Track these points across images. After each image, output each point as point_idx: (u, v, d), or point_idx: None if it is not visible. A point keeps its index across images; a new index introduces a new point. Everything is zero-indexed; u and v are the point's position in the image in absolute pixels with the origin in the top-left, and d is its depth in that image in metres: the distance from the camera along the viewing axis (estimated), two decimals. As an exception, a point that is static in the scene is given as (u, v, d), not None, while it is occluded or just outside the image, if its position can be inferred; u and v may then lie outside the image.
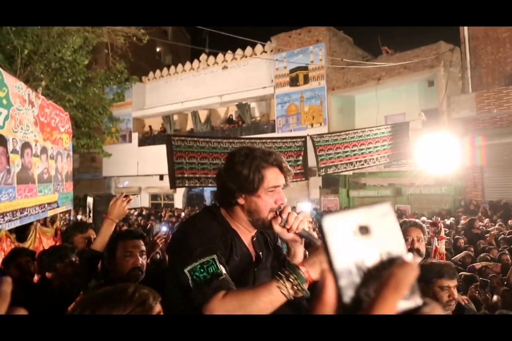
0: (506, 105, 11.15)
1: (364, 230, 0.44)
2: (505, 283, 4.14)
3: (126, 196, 2.15)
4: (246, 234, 1.50)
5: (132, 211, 14.89)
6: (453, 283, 2.03)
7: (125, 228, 4.61)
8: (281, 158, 1.43)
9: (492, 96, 11.38)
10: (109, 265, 2.06)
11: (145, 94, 20.19)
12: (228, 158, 1.47)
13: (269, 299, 1.15)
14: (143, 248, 2.12)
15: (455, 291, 2.02)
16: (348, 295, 0.42)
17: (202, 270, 1.25)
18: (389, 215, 0.45)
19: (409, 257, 0.43)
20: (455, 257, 5.46)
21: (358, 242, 0.43)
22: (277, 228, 1.38)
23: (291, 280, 1.15)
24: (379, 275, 0.42)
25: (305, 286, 1.17)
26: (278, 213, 1.38)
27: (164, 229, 2.94)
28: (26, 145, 4.09)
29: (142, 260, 2.07)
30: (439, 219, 8.00)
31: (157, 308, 1.02)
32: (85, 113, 8.28)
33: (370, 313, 0.39)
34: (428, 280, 2.05)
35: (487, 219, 8.96)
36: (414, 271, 0.40)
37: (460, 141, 11.16)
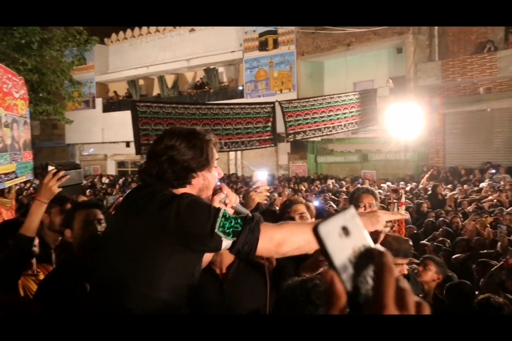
0: (469, 74, 11.36)
1: (345, 230, 0.56)
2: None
3: (56, 173, 1.93)
4: None
5: (96, 179, 14.61)
6: (405, 261, 2.16)
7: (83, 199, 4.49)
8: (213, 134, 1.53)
9: (457, 64, 11.55)
10: (68, 238, 2.01)
11: (108, 57, 19.23)
12: (169, 141, 1.43)
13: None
14: (101, 216, 2.05)
15: (405, 268, 2.15)
16: (350, 285, 0.53)
17: (229, 221, 1.27)
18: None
19: (379, 246, 0.55)
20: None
21: (344, 240, 0.55)
22: (217, 204, 1.45)
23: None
24: (366, 264, 0.54)
25: None
26: (217, 190, 1.49)
27: (113, 200, 2.89)
28: (-24, 112, 3.84)
29: (101, 228, 2.01)
30: (400, 185, 8.26)
31: None
32: (42, 78, 7.79)
33: (377, 296, 0.49)
34: None
35: (449, 185, 9.36)
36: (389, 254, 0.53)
37: (425, 108, 11.39)
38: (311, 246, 1.32)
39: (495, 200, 6.58)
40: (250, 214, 1.34)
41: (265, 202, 2.10)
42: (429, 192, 7.95)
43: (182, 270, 1.37)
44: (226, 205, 1.49)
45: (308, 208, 2.30)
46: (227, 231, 1.25)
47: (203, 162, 1.44)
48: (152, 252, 1.32)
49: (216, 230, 1.25)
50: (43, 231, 2.56)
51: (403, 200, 2.83)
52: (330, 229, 0.55)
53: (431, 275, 2.78)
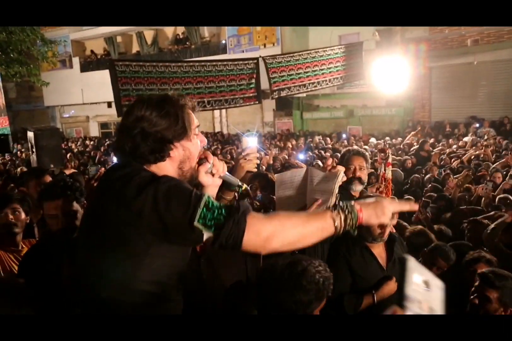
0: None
1: (426, 284, 0.75)
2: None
3: None
4: None
5: (78, 144, 14.35)
6: (393, 222, 2.16)
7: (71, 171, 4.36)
8: (190, 99, 1.38)
9: (445, 14, 11.21)
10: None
11: (81, 12, 18.16)
12: (139, 111, 1.29)
13: (321, 226, 1.17)
14: (69, 207, 1.92)
15: (386, 226, 2.11)
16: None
17: (211, 211, 1.13)
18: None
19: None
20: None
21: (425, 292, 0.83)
22: (202, 174, 1.36)
23: (346, 213, 1.17)
24: None
25: (355, 223, 1.19)
26: (202, 159, 1.36)
27: (96, 171, 2.81)
28: None
29: (70, 219, 1.91)
30: (386, 140, 8.25)
31: None
32: (10, 37, 7.33)
33: None
34: None
35: (432, 139, 9.42)
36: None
37: (412, 62, 11.18)
38: (305, 241, 1.20)
39: (480, 155, 6.65)
40: (236, 203, 1.19)
41: (255, 170, 2.02)
42: (415, 147, 8.01)
43: (162, 261, 1.24)
44: (213, 175, 1.38)
45: (366, 160, 2.45)
46: (208, 223, 1.12)
47: (180, 131, 1.29)
48: (128, 241, 1.19)
49: (195, 222, 1.12)
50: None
51: (390, 160, 2.83)
52: (414, 277, 0.85)
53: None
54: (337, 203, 1.21)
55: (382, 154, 2.90)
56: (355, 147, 3.15)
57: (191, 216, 1.12)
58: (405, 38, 11.92)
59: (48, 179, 2.85)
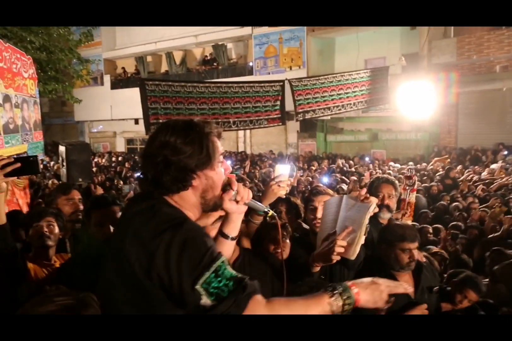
0: (486, 51, 11.01)
1: None
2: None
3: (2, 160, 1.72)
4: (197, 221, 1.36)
5: (105, 159, 14.68)
6: (414, 246, 2.11)
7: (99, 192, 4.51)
8: (216, 125, 1.34)
9: (473, 41, 11.19)
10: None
11: (115, 33, 18.92)
12: (163, 138, 1.23)
13: (318, 311, 1.15)
14: (117, 215, 2.00)
15: (415, 253, 2.11)
16: None
17: (219, 279, 1.06)
18: None
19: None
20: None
21: None
22: (227, 202, 1.31)
23: (344, 298, 1.17)
24: None
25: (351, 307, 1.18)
26: (226, 187, 1.32)
27: (128, 189, 2.87)
28: (-14, 94, 3.85)
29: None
30: (412, 171, 8.17)
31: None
32: (50, 56, 7.71)
33: None
34: (390, 243, 2.13)
35: (459, 166, 9.24)
36: None
37: (437, 85, 11.13)
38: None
39: (509, 184, 6.46)
40: (246, 281, 1.09)
41: (284, 196, 2.04)
42: (440, 173, 7.88)
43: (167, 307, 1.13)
44: (238, 202, 1.34)
45: (395, 188, 2.39)
46: (211, 290, 1.04)
47: (203, 160, 1.24)
48: (136, 283, 1.12)
49: (197, 285, 1.04)
50: None
51: (415, 186, 2.82)
52: None
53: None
54: (335, 287, 1.19)
55: (408, 181, 2.89)
56: (384, 175, 3.14)
57: (196, 277, 1.05)
58: (431, 63, 11.91)
59: (76, 194, 2.87)
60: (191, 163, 1.22)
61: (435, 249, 3.24)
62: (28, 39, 6.85)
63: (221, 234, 1.42)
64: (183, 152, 1.21)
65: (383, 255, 2.16)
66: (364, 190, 1.82)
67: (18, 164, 1.73)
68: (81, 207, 2.70)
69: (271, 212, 1.45)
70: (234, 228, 1.41)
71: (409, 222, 2.79)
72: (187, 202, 1.27)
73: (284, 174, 1.90)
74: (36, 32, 7.11)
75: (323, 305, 1.15)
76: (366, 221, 1.69)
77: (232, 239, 1.42)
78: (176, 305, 1.11)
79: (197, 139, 1.23)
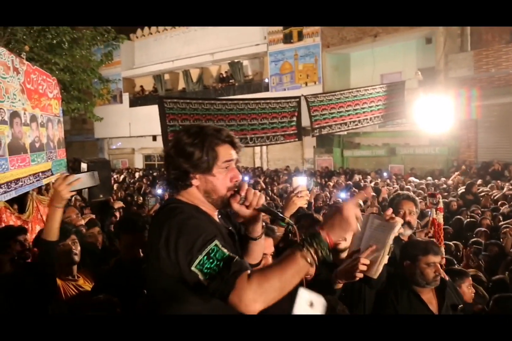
0: (504, 64, 10.91)
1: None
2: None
3: (66, 177, 1.90)
4: (213, 214, 1.43)
5: (125, 175, 14.88)
6: (438, 259, 2.09)
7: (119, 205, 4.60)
8: (231, 133, 1.38)
9: (491, 54, 11.11)
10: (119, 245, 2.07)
11: (134, 52, 19.48)
12: (176, 139, 1.36)
13: (295, 270, 1.14)
14: (145, 239, 2.04)
15: (439, 267, 2.09)
16: None
17: (211, 260, 1.17)
18: None
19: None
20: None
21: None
22: (235, 206, 1.35)
23: (314, 246, 1.14)
24: None
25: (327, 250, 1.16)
26: (235, 191, 1.35)
27: (154, 202, 2.92)
28: (14, 114, 3.98)
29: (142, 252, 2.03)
30: (432, 188, 8.00)
31: None
32: (73, 77, 7.98)
33: None
34: (414, 258, 2.11)
35: (479, 180, 9.06)
36: None
37: (456, 100, 11.04)
38: (287, 289, 1.16)
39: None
40: (235, 261, 1.18)
41: (305, 206, 2.07)
42: (461, 190, 7.72)
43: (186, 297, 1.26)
44: (247, 207, 1.36)
45: (416, 205, 2.38)
46: (205, 270, 1.16)
47: (201, 164, 1.31)
48: (158, 274, 1.27)
49: (192, 267, 1.16)
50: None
51: (441, 205, 2.77)
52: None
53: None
54: (302, 237, 1.18)
55: (433, 199, 2.85)
56: (405, 191, 3.11)
57: (190, 260, 1.17)
58: (448, 77, 11.85)
59: (72, 211, 2.90)
60: (187, 165, 1.31)
61: (471, 271, 3.14)
62: (53, 60, 7.12)
63: (245, 235, 1.50)
64: (184, 153, 1.31)
65: (406, 271, 2.14)
66: (390, 210, 1.82)
67: (81, 179, 1.93)
68: (82, 222, 2.75)
69: (287, 219, 1.46)
70: (253, 230, 1.47)
71: (441, 248, 2.73)
72: (196, 198, 1.37)
73: (302, 185, 1.93)
74: (60, 54, 7.38)
75: (297, 262, 1.14)
76: (391, 241, 1.70)
77: (254, 239, 1.48)
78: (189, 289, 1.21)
79: (200, 143, 1.31)
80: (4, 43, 6.06)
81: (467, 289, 2.58)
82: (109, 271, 2.12)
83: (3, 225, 3.72)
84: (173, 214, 1.27)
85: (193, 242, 1.19)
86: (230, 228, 1.51)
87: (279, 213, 1.46)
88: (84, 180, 1.96)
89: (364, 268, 1.71)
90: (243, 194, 1.35)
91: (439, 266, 2.09)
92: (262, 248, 1.58)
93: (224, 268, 1.15)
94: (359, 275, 1.73)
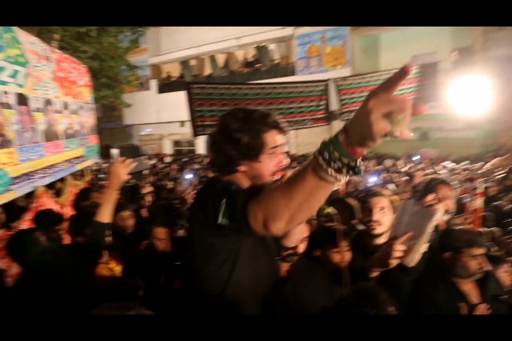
0: (547, 41, 10.30)
1: None
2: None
3: (124, 160, 1.98)
4: None
5: (156, 160, 15.12)
6: (482, 251, 1.99)
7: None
8: (278, 118, 1.35)
9: (534, 31, 10.50)
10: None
11: (160, 39, 19.52)
12: (223, 123, 1.33)
13: (308, 190, 0.90)
14: (176, 234, 2.09)
15: (485, 259, 1.99)
16: None
17: (235, 195, 1.14)
18: None
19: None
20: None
21: None
22: None
23: (327, 156, 0.85)
24: None
25: (349, 160, 0.84)
26: (281, 178, 1.33)
27: (188, 184, 2.93)
28: (47, 102, 4.07)
29: (176, 245, 2.07)
30: (462, 164, 7.58)
31: None
32: (101, 64, 8.09)
33: None
34: (457, 250, 2.00)
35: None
36: None
37: (494, 81, 10.52)
38: (306, 209, 0.95)
39: None
40: (241, 190, 1.19)
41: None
42: (498, 173, 7.40)
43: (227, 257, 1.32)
44: None
45: (390, 202, 2.10)
46: (228, 215, 1.14)
47: (248, 151, 1.29)
48: (200, 238, 1.34)
49: (219, 221, 1.15)
50: None
51: (480, 190, 2.65)
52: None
53: None
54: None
55: (471, 183, 2.73)
56: (440, 176, 3.00)
57: (215, 214, 1.17)
58: (487, 57, 11.29)
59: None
60: (236, 153, 1.29)
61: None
62: (82, 49, 7.22)
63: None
64: (232, 140, 1.28)
65: (448, 263, 2.03)
66: (431, 196, 1.74)
67: (135, 163, 2.03)
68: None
69: (330, 209, 1.43)
70: None
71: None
72: (240, 181, 1.35)
73: None
74: (89, 42, 7.48)
75: (307, 179, 0.89)
76: (430, 229, 1.62)
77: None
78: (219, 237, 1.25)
79: (248, 129, 1.28)
80: (35, 33, 6.18)
81: (504, 275, 2.47)
82: (140, 254, 2.15)
83: (42, 208, 3.85)
84: (213, 181, 1.33)
85: (217, 197, 1.19)
86: None
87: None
88: (137, 163, 2.05)
89: (399, 254, 1.63)
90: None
91: (484, 258, 1.99)
92: (301, 232, 1.60)
93: (241, 192, 1.14)
94: (394, 262, 1.65)
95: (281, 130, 1.35)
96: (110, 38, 8.24)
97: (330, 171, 0.84)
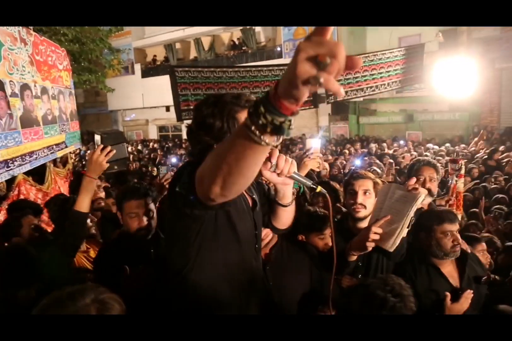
0: (532, 22, 10.29)
1: None
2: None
3: (103, 149, 1.98)
4: None
5: (140, 146, 14.96)
6: (455, 227, 1.98)
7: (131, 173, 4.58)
8: (252, 97, 1.28)
9: (518, 12, 10.46)
10: (121, 219, 2.04)
11: (143, 21, 19.04)
12: (196, 111, 1.31)
13: (236, 150, 0.85)
14: (149, 206, 2.00)
15: (458, 235, 1.98)
16: None
17: (191, 164, 1.19)
18: None
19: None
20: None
21: None
22: (266, 173, 1.28)
23: (255, 111, 0.77)
24: None
25: (273, 117, 0.76)
26: (266, 158, 1.25)
27: (166, 170, 2.87)
28: (24, 87, 3.95)
29: (149, 219, 1.97)
30: (445, 146, 7.72)
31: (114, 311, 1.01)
32: (82, 47, 7.85)
33: None
34: (429, 228, 2.01)
35: (502, 147, 8.77)
36: None
37: (479, 63, 10.54)
38: (241, 170, 0.89)
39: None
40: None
41: (318, 169, 2.01)
42: (484, 156, 7.49)
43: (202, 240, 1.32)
44: (278, 175, 1.31)
45: (375, 184, 2.07)
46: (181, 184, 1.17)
47: (223, 136, 1.22)
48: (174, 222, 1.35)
49: (176, 188, 1.18)
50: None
51: (462, 171, 2.66)
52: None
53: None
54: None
55: (454, 165, 2.74)
56: (425, 157, 2.99)
57: (175, 184, 1.21)
58: (472, 38, 11.28)
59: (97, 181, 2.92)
60: (210, 138, 1.25)
61: (485, 236, 3.06)
62: (62, 31, 6.98)
63: (275, 201, 1.50)
64: (205, 125, 1.25)
65: (423, 243, 2.04)
66: (414, 179, 1.73)
67: (114, 151, 2.02)
68: (102, 195, 2.74)
69: (319, 188, 1.38)
70: (283, 196, 1.47)
71: (459, 215, 2.63)
72: None
73: (315, 147, 1.88)
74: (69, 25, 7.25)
75: (236, 134, 0.85)
76: (412, 213, 1.62)
77: (284, 206, 1.49)
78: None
79: (219, 113, 1.24)
80: (10, 13, 5.95)
81: (481, 255, 2.50)
82: (112, 243, 2.10)
83: (22, 197, 3.78)
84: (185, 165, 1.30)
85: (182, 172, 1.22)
86: (254, 196, 1.50)
87: (312, 182, 1.37)
88: (117, 151, 2.03)
89: (375, 237, 1.64)
90: (274, 161, 1.27)
91: (457, 235, 1.98)
92: (292, 214, 1.57)
93: (188, 170, 1.16)
94: (370, 245, 1.66)
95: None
96: (90, 20, 7.99)
97: (253, 129, 0.78)
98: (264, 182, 1.64)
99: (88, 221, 2.27)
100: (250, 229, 1.45)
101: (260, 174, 1.29)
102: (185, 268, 1.33)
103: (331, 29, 0.71)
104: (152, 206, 2.01)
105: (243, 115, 1.23)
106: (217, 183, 0.95)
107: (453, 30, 11.71)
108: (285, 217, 1.54)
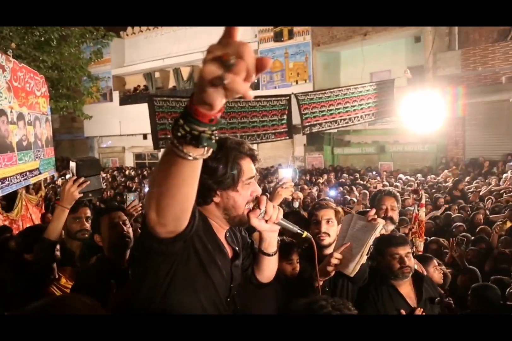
0: (491, 63, 11.04)
1: None
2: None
3: (76, 180, 2.02)
4: (220, 230, 1.36)
5: (116, 173, 14.81)
6: (403, 250, 2.12)
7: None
8: (252, 147, 1.31)
9: (478, 53, 11.23)
10: (98, 242, 2.07)
11: (124, 50, 19.34)
12: None
13: (168, 160, 0.85)
14: (124, 218, 2.09)
15: (407, 259, 2.11)
16: None
17: None
18: None
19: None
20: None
21: None
22: (254, 221, 1.29)
23: (181, 124, 0.77)
24: None
25: (202, 128, 0.77)
26: (255, 205, 1.29)
27: (133, 197, 2.87)
28: (1, 112, 3.96)
29: (127, 228, 2.06)
30: (420, 185, 8.12)
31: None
32: (61, 74, 7.92)
33: None
34: (380, 251, 2.17)
35: (467, 177, 9.18)
36: None
37: (444, 98, 11.15)
38: (172, 189, 0.89)
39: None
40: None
41: (290, 197, 2.10)
42: (447, 184, 7.83)
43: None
44: (266, 222, 1.32)
45: (336, 213, 2.16)
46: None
47: (225, 181, 1.23)
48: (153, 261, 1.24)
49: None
50: (65, 239, 2.58)
51: (423, 201, 2.82)
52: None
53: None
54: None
55: (415, 195, 2.90)
56: (386, 188, 3.15)
57: None
58: (437, 75, 11.96)
59: (84, 212, 2.79)
60: (211, 182, 1.23)
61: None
62: (41, 58, 7.06)
63: (260, 251, 1.47)
64: (208, 169, 1.18)
65: (379, 266, 2.19)
66: (373, 211, 1.85)
67: (89, 182, 2.05)
68: (88, 226, 2.70)
69: (305, 233, 1.42)
70: (269, 244, 1.45)
71: (421, 242, 2.79)
72: (211, 213, 1.32)
73: (287, 177, 1.98)
74: (49, 52, 7.32)
75: (166, 150, 0.86)
76: (370, 241, 1.74)
77: (270, 255, 1.46)
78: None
79: (223, 159, 1.23)
80: (-10, 41, 6.02)
81: (434, 271, 2.66)
82: (90, 269, 2.11)
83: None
84: None
85: None
86: (237, 248, 1.43)
87: (298, 227, 1.40)
88: (91, 182, 2.06)
89: (335, 261, 1.76)
90: (263, 208, 1.28)
91: (406, 257, 2.10)
92: (275, 265, 1.54)
93: None
94: (330, 269, 1.77)
95: (255, 159, 1.32)
96: (71, 48, 8.10)
97: (175, 142, 0.79)
98: (246, 233, 1.59)
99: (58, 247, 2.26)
100: (225, 280, 1.36)
101: (248, 221, 1.30)
102: (152, 303, 1.24)
103: (239, 29, 0.70)
104: (126, 217, 2.09)
105: (245, 162, 1.27)
106: (152, 207, 0.94)
107: (419, 67, 12.41)
108: (269, 267, 1.50)
